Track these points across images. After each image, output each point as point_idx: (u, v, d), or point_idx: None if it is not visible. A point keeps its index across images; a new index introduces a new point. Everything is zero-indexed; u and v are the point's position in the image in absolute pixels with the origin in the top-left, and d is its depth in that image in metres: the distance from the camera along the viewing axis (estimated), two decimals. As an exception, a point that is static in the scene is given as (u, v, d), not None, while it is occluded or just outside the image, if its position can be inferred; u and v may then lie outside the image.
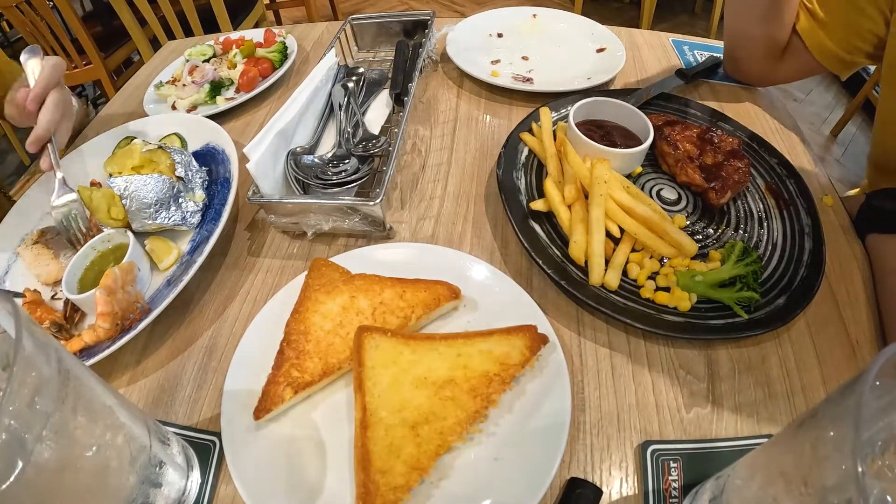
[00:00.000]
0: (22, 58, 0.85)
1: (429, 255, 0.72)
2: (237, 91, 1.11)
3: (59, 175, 0.81)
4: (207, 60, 1.17)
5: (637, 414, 0.59)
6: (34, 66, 0.82)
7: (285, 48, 1.18)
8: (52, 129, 0.79)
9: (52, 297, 0.76)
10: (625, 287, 0.68)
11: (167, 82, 1.15)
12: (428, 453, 0.51)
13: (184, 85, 1.11)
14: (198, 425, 0.61)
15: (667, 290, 0.67)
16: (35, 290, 0.74)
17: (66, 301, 0.72)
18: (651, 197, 0.79)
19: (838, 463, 0.29)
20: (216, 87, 1.10)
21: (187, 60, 1.18)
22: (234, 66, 1.14)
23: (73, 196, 0.80)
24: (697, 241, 0.73)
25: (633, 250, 0.71)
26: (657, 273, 0.69)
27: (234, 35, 1.25)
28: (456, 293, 0.65)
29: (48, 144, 0.80)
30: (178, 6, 2.06)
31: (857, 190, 1.05)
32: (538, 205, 0.76)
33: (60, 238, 0.80)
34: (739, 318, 0.64)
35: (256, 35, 1.24)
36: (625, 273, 0.69)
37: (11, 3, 2.09)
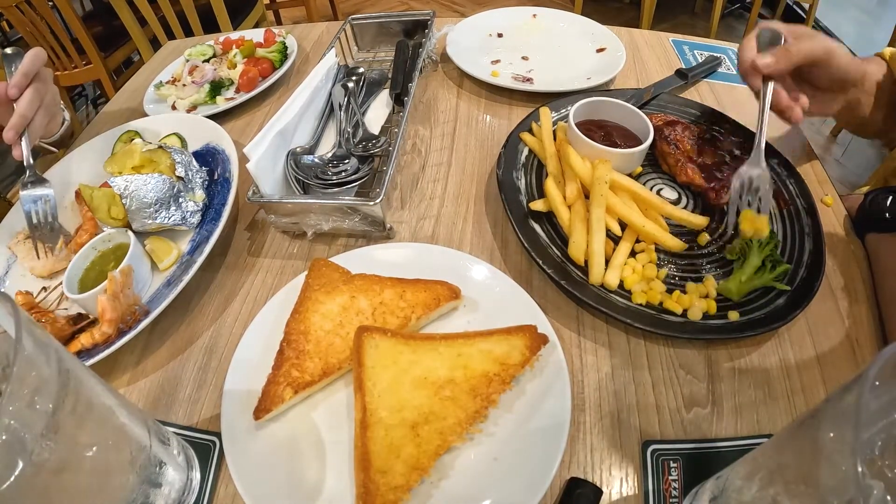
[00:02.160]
0: (4, 58, 0.84)
1: (429, 255, 0.72)
2: (237, 91, 1.11)
3: (28, 164, 0.80)
4: (207, 60, 1.17)
5: (637, 414, 0.59)
6: (15, 62, 0.81)
7: (285, 48, 1.18)
8: (27, 118, 0.78)
9: (43, 289, 0.76)
10: (624, 287, 0.68)
11: (167, 82, 1.15)
12: (428, 453, 0.51)
13: (184, 85, 1.11)
14: (198, 425, 0.61)
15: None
16: (27, 292, 0.74)
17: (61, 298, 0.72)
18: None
19: (838, 463, 0.29)
20: (216, 87, 1.10)
21: (187, 60, 1.18)
22: (234, 66, 1.14)
23: (47, 192, 0.81)
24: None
25: (633, 253, 0.71)
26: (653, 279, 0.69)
27: (234, 35, 1.25)
28: (456, 293, 0.65)
29: (23, 135, 0.78)
30: (178, 6, 2.06)
31: (864, 188, 1.05)
32: (538, 205, 0.76)
33: (55, 234, 0.81)
34: (739, 318, 0.64)
35: (256, 35, 1.24)
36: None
37: (11, 3, 2.09)
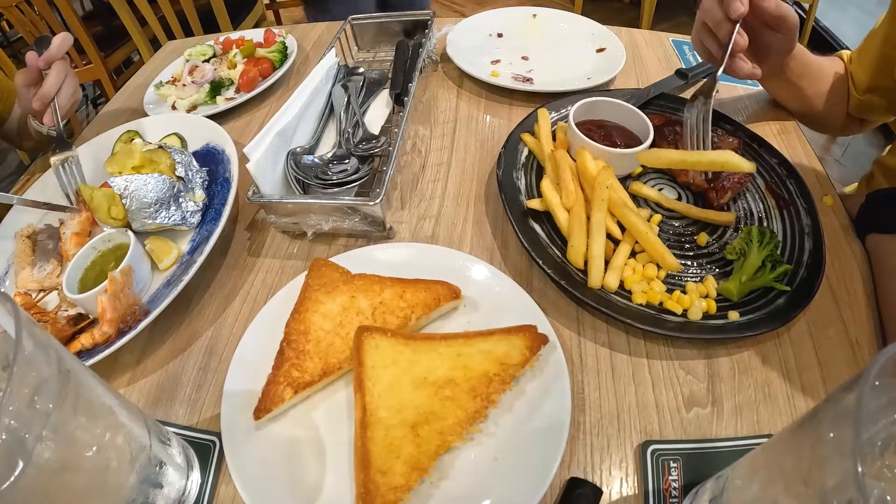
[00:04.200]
0: (35, 42, 0.95)
1: (429, 255, 0.72)
2: (237, 91, 1.11)
3: (55, 132, 0.90)
4: (207, 60, 1.17)
5: (637, 414, 0.59)
6: (44, 45, 0.91)
7: (285, 48, 1.18)
8: (54, 90, 0.88)
9: (41, 290, 0.76)
10: (624, 287, 0.68)
11: (167, 82, 1.15)
12: (428, 453, 0.51)
13: (184, 85, 1.11)
14: (198, 425, 0.61)
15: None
16: (27, 293, 0.74)
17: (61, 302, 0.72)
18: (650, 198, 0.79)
19: (838, 463, 0.29)
20: (216, 87, 1.10)
21: (187, 60, 1.18)
22: (235, 65, 1.14)
23: (71, 152, 0.90)
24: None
25: (633, 253, 0.71)
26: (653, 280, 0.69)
27: (235, 35, 1.25)
28: (456, 293, 0.65)
29: (52, 104, 0.89)
30: (178, 6, 2.06)
31: (853, 186, 1.05)
32: (535, 203, 0.75)
33: (44, 245, 0.81)
34: (739, 318, 0.64)
35: (256, 35, 1.24)
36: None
37: (11, 3, 2.09)
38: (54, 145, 0.90)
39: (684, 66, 1.07)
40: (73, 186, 0.87)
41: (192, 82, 1.11)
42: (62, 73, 0.90)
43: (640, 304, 0.66)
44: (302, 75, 1.13)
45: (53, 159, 0.89)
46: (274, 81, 1.11)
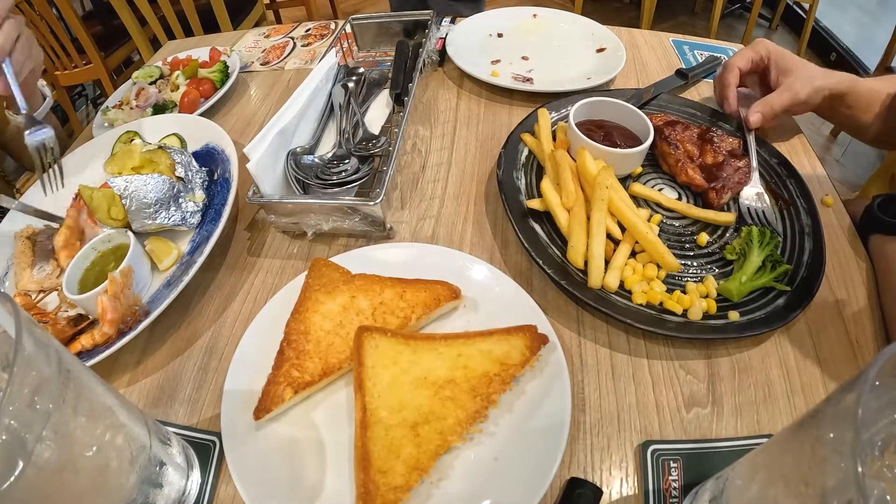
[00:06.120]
0: None
1: (429, 255, 0.72)
2: (179, 114, 1.06)
3: (23, 104, 0.82)
4: (154, 82, 1.15)
5: (637, 414, 0.59)
6: None
7: (226, 67, 1.14)
8: (6, 50, 0.77)
9: (41, 291, 0.76)
10: (625, 287, 0.68)
11: (114, 106, 1.11)
12: (428, 453, 0.51)
13: (130, 108, 1.08)
14: (198, 425, 0.61)
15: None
16: (27, 294, 0.74)
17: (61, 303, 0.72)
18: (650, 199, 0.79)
19: (838, 463, 0.29)
20: (159, 110, 1.07)
21: (134, 83, 1.15)
22: (177, 87, 1.11)
23: (48, 131, 0.86)
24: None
25: (633, 253, 0.71)
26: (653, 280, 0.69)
27: (182, 55, 1.23)
28: (456, 293, 0.65)
29: (3, 67, 0.78)
30: (178, 6, 2.06)
31: (856, 194, 1.05)
32: (535, 203, 0.76)
33: (44, 246, 0.80)
34: (739, 318, 0.64)
35: (204, 54, 1.21)
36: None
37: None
38: (24, 122, 0.84)
39: (684, 66, 1.08)
40: (56, 177, 0.85)
41: (137, 106, 1.08)
42: (14, 30, 0.78)
43: (640, 304, 0.66)
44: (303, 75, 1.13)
45: (29, 139, 0.84)
46: (215, 101, 1.07)
